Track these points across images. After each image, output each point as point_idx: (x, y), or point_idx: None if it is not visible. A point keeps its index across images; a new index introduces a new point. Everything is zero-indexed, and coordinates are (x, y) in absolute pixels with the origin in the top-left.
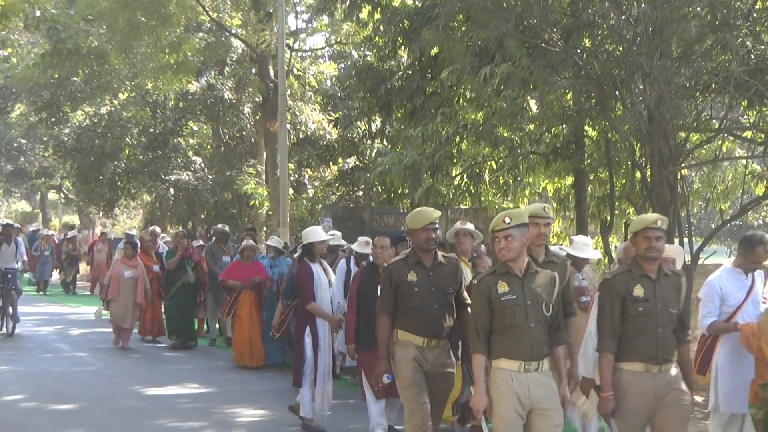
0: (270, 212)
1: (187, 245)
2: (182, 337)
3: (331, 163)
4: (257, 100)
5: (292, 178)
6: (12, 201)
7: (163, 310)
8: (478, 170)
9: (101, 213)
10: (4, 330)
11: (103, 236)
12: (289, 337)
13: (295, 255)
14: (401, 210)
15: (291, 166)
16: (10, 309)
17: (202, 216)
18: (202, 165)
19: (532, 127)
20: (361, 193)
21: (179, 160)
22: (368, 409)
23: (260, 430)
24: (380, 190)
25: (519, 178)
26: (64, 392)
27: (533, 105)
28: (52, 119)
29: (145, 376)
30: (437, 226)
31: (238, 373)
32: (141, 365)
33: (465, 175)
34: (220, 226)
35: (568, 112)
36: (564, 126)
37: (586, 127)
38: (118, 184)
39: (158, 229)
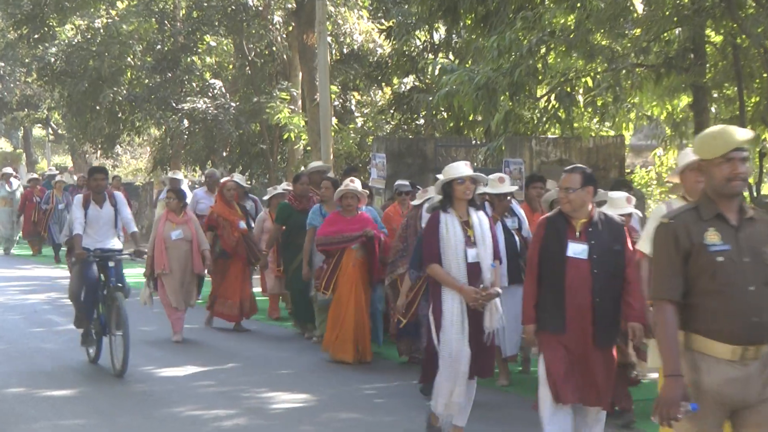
0: (308, 147)
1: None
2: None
3: (383, 85)
4: (290, 6)
5: (335, 104)
6: None
7: (266, 287)
8: (569, 89)
9: (99, 152)
10: (110, 367)
11: (59, 184)
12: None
13: (425, 203)
14: (473, 141)
15: (333, 88)
16: (116, 329)
17: (224, 154)
18: (223, 90)
19: (637, 32)
20: (422, 121)
21: (194, 85)
22: (543, 425)
23: None
24: (446, 116)
25: (621, 99)
26: (58, 375)
27: (638, 4)
28: (35, 36)
29: (158, 355)
30: (745, 154)
31: (299, 350)
32: (154, 341)
33: (553, 96)
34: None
35: (684, 12)
36: (679, 30)
37: (707, 31)
38: (119, 115)
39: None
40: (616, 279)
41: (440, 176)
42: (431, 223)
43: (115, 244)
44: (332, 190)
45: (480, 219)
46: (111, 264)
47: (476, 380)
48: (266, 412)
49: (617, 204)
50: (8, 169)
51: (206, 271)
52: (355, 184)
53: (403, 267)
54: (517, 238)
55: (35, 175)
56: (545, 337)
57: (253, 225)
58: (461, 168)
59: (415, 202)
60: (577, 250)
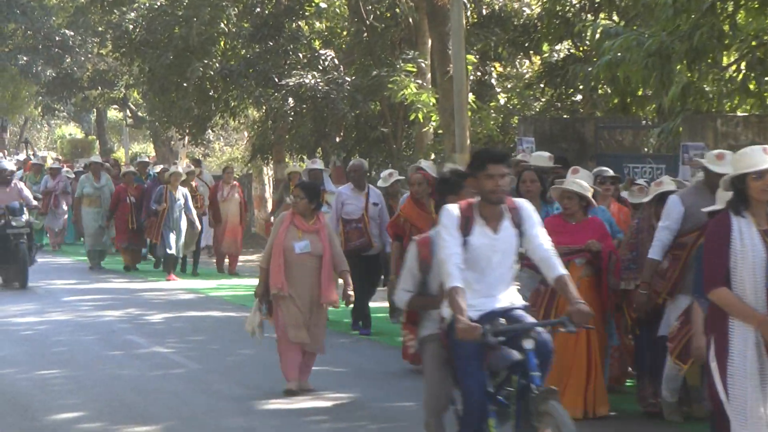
0: (440, 131)
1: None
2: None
3: (531, 53)
4: None
5: (471, 78)
6: (56, 124)
7: None
8: (762, 55)
9: (186, 138)
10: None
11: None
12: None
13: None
14: (643, 121)
15: (470, 58)
16: None
17: (337, 139)
18: (336, 62)
19: None
20: (579, 97)
21: (300, 56)
22: None
23: None
24: (609, 91)
25: None
26: (140, 407)
27: None
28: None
29: (259, 382)
30: None
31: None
32: (255, 366)
33: (742, 64)
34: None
35: None
36: None
37: None
38: (211, 93)
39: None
40: None
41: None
42: (717, 230)
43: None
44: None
45: None
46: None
47: None
48: None
49: None
50: (96, 158)
51: (344, 302)
52: (578, 176)
53: (633, 282)
54: None
55: (131, 168)
56: None
57: None
58: (759, 156)
59: (647, 198)
60: None
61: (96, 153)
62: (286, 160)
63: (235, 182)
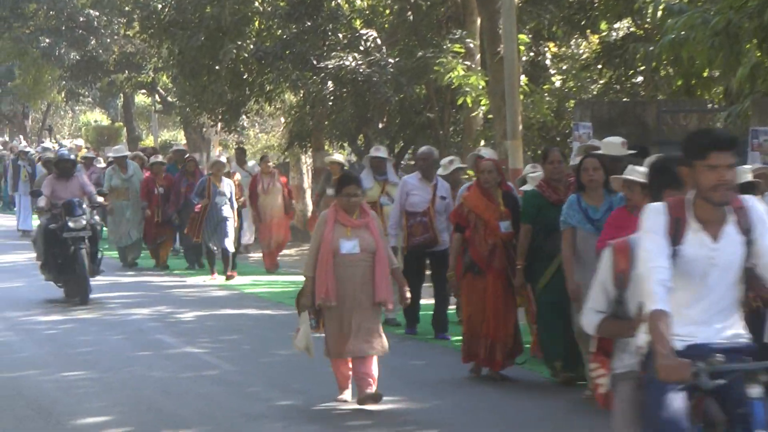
0: (490, 116)
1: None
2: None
3: (588, 32)
4: None
5: (524, 59)
6: (80, 110)
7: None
8: None
9: (219, 125)
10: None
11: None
12: None
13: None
14: (709, 104)
15: (523, 37)
16: None
17: (380, 125)
18: (378, 42)
19: None
20: (640, 79)
21: (340, 36)
22: None
23: None
24: (672, 72)
25: None
26: (170, 411)
27: None
28: None
29: (297, 385)
30: None
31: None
32: (292, 367)
33: None
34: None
35: None
36: None
37: None
38: (245, 77)
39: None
40: None
41: None
42: None
43: None
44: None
45: None
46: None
47: None
48: None
49: None
50: (121, 148)
51: (401, 303)
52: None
53: None
54: None
55: (160, 158)
56: None
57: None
58: None
59: None
60: None
61: (123, 141)
62: (326, 147)
63: (274, 171)
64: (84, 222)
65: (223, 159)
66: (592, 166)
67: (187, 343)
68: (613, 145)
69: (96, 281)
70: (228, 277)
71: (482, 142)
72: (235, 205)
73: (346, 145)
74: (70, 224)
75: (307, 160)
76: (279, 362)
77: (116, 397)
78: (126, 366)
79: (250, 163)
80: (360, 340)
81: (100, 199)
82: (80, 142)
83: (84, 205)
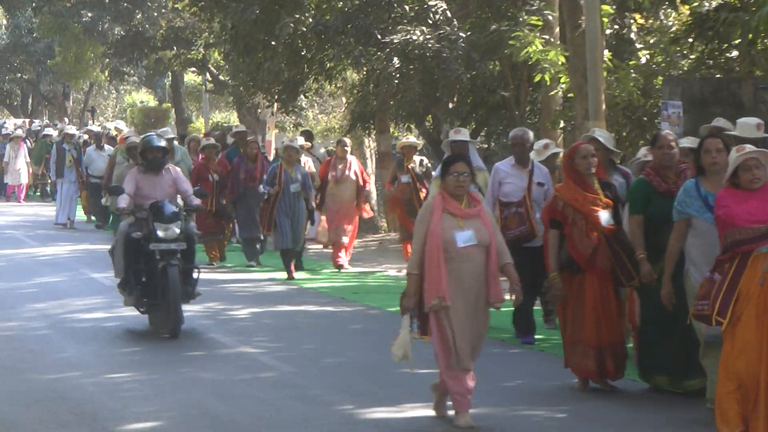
0: (570, 94)
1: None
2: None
3: (678, 2)
4: None
5: (608, 32)
6: (125, 89)
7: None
8: None
9: (275, 106)
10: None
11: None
12: None
13: None
14: None
15: (606, 8)
16: None
17: (450, 105)
18: (448, 14)
19: None
20: (735, 53)
21: (407, 8)
22: None
23: None
24: None
25: None
26: (224, 416)
27: None
28: None
29: (362, 387)
30: None
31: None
32: (356, 369)
33: None
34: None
35: None
36: None
37: None
38: (304, 53)
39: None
40: None
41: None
42: None
43: None
44: (725, 155)
45: None
46: None
47: None
48: None
49: None
50: (168, 131)
51: (513, 301)
52: None
53: None
54: None
55: (211, 140)
56: None
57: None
58: None
59: None
60: None
61: (171, 123)
62: (391, 130)
63: (351, 157)
64: (177, 231)
65: (297, 143)
66: (715, 147)
67: (242, 343)
68: (748, 126)
69: None
70: (291, 276)
71: (561, 123)
72: (313, 194)
73: (412, 127)
74: (159, 233)
75: (370, 144)
76: (342, 363)
77: (165, 402)
78: (176, 367)
79: (318, 148)
80: (471, 351)
81: (197, 201)
82: (121, 124)
83: (178, 208)
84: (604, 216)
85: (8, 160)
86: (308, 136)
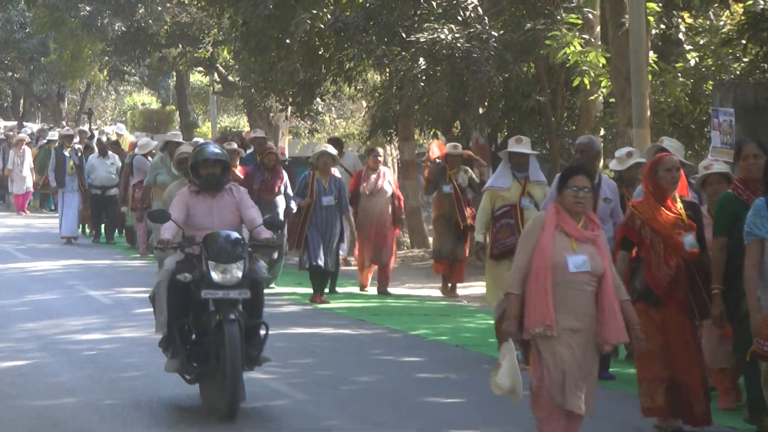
0: (612, 99)
1: None
2: None
3: (730, 0)
4: None
5: (653, 32)
6: (126, 90)
7: None
8: None
9: (289, 109)
10: None
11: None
12: None
13: None
14: None
15: (652, 6)
16: None
17: (480, 110)
18: (479, 11)
19: None
20: None
21: (434, 4)
22: None
23: None
24: None
25: None
26: None
27: None
28: None
29: (383, 417)
30: None
31: None
32: (376, 397)
33: None
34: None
35: None
36: None
37: None
38: (321, 52)
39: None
40: None
41: None
42: None
43: None
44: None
45: None
46: None
47: None
48: None
49: None
50: (176, 134)
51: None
52: None
53: None
54: None
55: (234, 145)
56: None
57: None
58: None
59: None
60: None
61: (175, 127)
62: (415, 136)
63: (385, 168)
64: (239, 273)
65: (332, 150)
66: (752, 153)
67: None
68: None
69: (143, 293)
70: (319, 301)
71: (602, 131)
72: (349, 209)
73: (439, 133)
74: (215, 276)
75: (392, 151)
76: (359, 390)
77: (170, 430)
78: (180, 393)
79: (349, 157)
80: (576, 390)
81: (267, 233)
82: (122, 129)
83: (241, 243)
84: (688, 240)
85: (12, 166)
86: (337, 143)
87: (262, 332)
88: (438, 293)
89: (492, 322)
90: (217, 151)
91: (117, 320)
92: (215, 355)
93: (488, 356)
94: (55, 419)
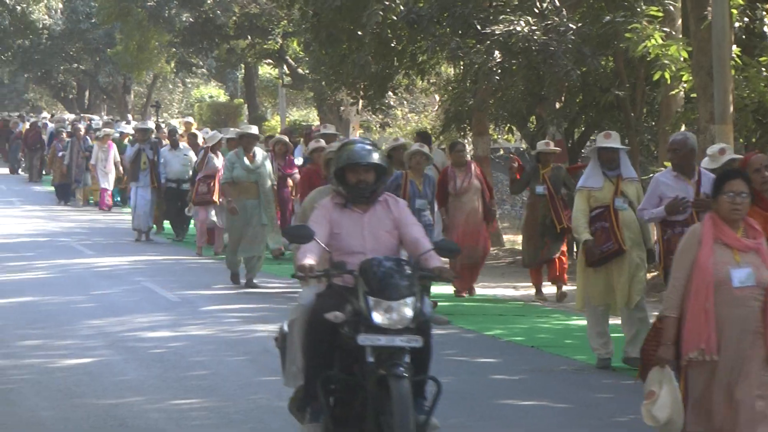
0: (693, 94)
1: None
2: None
3: None
4: None
5: (737, 25)
6: (193, 82)
7: None
8: None
9: (360, 103)
10: None
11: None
12: None
13: None
14: None
15: None
16: None
17: (557, 105)
18: (556, 3)
19: None
20: None
21: None
22: None
23: None
24: None
25: None
26: None
27: None
28: None
29: (461, 421)
30: None
31: None
32: (452, 399)
33: None
34: None
35: None
36: None
37: None
38: (393, 45)
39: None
40: None
41: None
42: None
43: None
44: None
45: None
46: None
47: None
48: None
49: None
50: (252, 128)
51: None
52: None
53: None
54: None
55: (322, 142)
56: None
57: None
58: None
59: None
60: None
61: (243, 120)
62: (490, 131)
63: (472, 164)
64: (409, 314)
65: (425, 148)
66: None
67: None
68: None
69: (211, 292)
70: None
71: (683, 127)
72: (436, 212)
73: (514, 128)
74: (377, 318)
75: (466, 147)
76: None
77: (238, 431)
78: (249, 394)
79: (437, 155)
80: (748, 420)
81: (439, 260)
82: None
83: (410, 273)
84: None
85: (95, 162)
86: (424, 138)
87: (435, 389)
88: (513, 292)
89: (568, 323)
90: (370, 152)
91: (184, 318)
92: (374, 421)
93: (564, 358)
94: (121, 418)
